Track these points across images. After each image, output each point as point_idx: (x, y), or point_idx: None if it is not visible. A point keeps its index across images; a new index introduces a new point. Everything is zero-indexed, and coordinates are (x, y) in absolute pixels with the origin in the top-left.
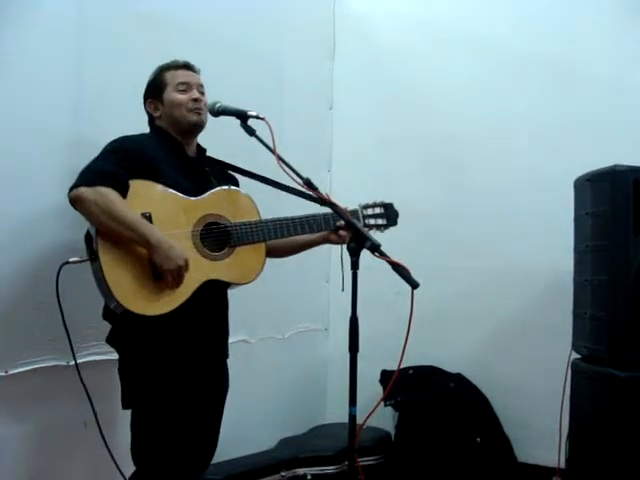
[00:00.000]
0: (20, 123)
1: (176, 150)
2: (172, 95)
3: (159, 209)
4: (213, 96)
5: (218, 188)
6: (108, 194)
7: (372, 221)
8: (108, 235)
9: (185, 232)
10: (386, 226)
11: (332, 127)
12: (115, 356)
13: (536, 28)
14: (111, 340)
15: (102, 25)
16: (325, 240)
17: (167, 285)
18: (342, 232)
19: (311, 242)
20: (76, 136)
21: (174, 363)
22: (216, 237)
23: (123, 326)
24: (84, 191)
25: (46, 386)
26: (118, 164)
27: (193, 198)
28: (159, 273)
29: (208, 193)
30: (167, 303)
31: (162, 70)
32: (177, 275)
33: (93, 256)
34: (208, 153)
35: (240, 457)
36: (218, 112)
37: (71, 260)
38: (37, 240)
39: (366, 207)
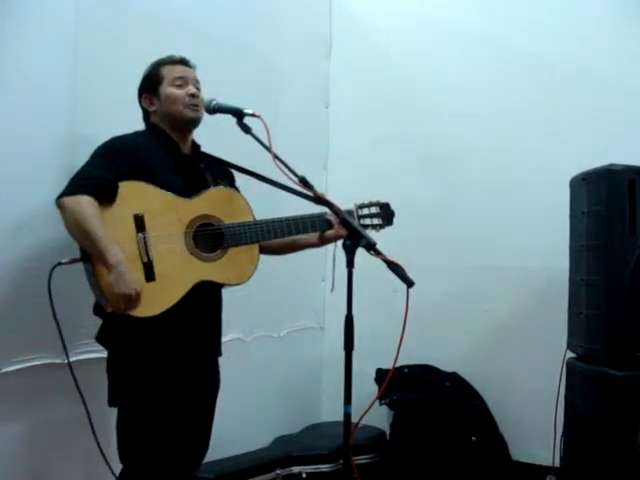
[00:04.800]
0: (16, 122)
1: (171, 148)
2: (168, 90)
3: (152, 210)
4: (209, 94)
5: (212, 188)
6: (84, 205)
7: (368, 221)
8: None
9: (178, 233)
10: (382, 226)
11: (328, 125)
12: None
13: (534, 27)
14: (100, 338)
15: (98, 23)
16: (322, 241)
17: (113, 308)
18: (336, 226)
19: (309, 244)
20: (72, 134)
21: (163, 362)
22: (209, 238)
23: (113, 323)
24: (65, 200)
25: (41, 384)
26: (108, 168)
27: (187, 199)
28: (151, 274)
29: (202, 193)
30: (159, 304)
31: (158, 65)
32: (124, 301)
33: (86, 256)
34: (203, 150)
35: (235, 455)
36: (214, 110)
37: (63, 261)
38: (31, 239)
39: (362, 207)
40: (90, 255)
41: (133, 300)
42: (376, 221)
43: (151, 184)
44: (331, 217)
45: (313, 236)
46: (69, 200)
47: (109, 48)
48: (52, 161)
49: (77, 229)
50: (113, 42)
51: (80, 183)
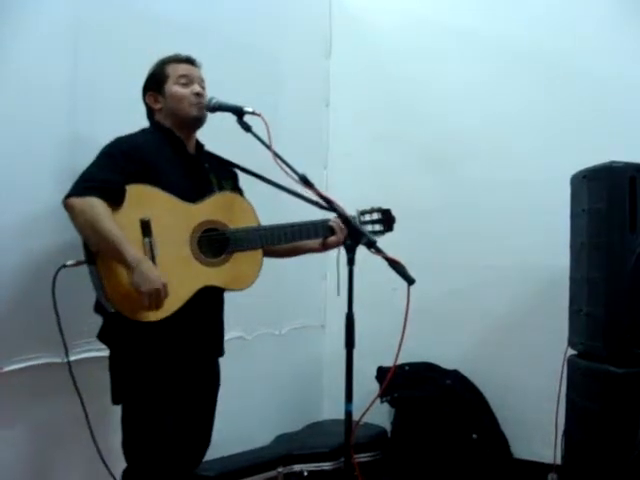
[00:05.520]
0: (16, 122)
1: (176, 148)
2: (174, 88)
3: (158, 215)
4: (210, 92)
5: (217, 193)
6: (96, 207)
7: (369, 227)
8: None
9: (183, 238)
10: (382, 232)
11: (328, 124)
12: None
13: (534, 25)
14: (102, 336)
15: (98, 22)
16: (324, 247)
17: (144, 307)
18: (339, 232)
19: (310, 249)
20: (72, 135)
21: (165, 360)
22: (214, 243)
23: (115, 322)
24: (74, 202)
25: (42, 383)
26: (114, 169)
27: (192, 203)
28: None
29: (207, 198)
30: (163, 309)
31: (164, 63)
32: (155, 298)
33: (91, 259)
34: (206, 149)
35: (236, 454)
36: (214, 108)
37: (68, 263)
38: (34, 239)
39: (363, 213)
40: (101, 256)
41: (162, 295)
42: (377, 227)
43: (157, 187)
44: (334, 224)
45: (315, 241)
46: (78, 201)
47: (109, 48)
48: (52, 162)
49: (90, 230)
50: (113, 42)
51: (86, 185)
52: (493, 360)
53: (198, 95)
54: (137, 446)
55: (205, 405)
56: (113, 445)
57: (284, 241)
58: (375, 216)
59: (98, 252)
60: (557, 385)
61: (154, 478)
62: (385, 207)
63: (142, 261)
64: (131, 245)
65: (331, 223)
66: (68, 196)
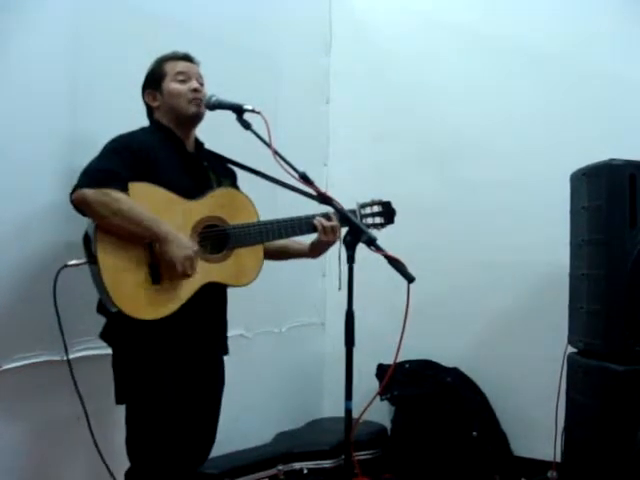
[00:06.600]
0: (16, 122)
1: (176, 146)
2: (171, 85)
3: (158, 212)
4: (210, 90)
5: (217, 189)
6: (113, 194)
7: (370, 220)
8: (108, 237)
9: (184, 235)
10: (383, 225)
11: (329, 121)
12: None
13: (533, 24)
14: (105, 336)
15: (98, 22)
16: (315, 249)
17: (178, 277)
18: (321, 233)
19: (298, 253)
20: (73, 135)
21: (169, 359)
22: (215, 239)
23: (118, 321)
24: (88, 193)
25: (41, 381)
26: (119, 164)
27: (192, 200)
28: (158, 276)
29: (207, 194)
30: (165, 306)
31: (162, 61)
32: (188, 263)
33: (92, 259)
34: (205, 147)
35: (237, 451)
36: (213, 106)
37: (70, 263)
38: (34, 238)
39: (364, 206)
40: (102, 255)
41: (194, 260)
42: (378, 220)
43: (158, 185)
44: (317, 222)
45: (304, 247)
46: (93, 193)
47: (109, 47)
48: (52, 162)
49: (120, 218)
50: (113, 42)
51: (99, 176)
52: (493, 358)
53: (195, 91)
54: (141, 446)
55: (209, 403)
56: (114, 444)
57: (285, 235)
58: (376, 209)
59: (109, 243)
60: (557, 383)
61: (157, 478)
62: (385, 199)
63: (169, 233)
64: (160, 221)
65: (315, 221)
66: (78, 187)
